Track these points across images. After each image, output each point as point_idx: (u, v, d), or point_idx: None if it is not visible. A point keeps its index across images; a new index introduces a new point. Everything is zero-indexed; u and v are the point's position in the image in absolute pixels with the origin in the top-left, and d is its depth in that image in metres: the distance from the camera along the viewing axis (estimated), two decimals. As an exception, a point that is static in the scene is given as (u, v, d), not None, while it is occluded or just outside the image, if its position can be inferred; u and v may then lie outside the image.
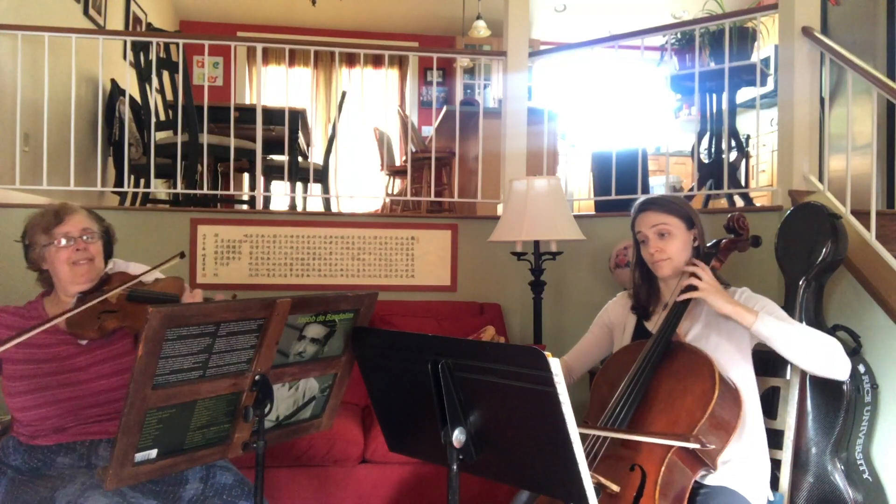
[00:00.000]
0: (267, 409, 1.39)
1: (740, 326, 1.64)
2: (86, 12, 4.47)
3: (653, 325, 1.84)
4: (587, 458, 1.55)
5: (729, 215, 1.88)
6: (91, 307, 1.68)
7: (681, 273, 1.77)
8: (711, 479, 1.58)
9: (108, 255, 1.87)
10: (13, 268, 3.03)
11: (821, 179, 2.87)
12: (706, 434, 1.52)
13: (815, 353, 1.58)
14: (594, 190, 4.18)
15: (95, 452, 1.71)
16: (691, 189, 3.76)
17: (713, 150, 3.78)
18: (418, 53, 7.77)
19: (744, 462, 1.63)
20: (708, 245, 1.83)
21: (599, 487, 1.46)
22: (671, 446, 1.49)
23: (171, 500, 1.64)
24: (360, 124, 6.55)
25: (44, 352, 1.72)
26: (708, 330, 1.74)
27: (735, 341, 1.71)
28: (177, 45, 3.74)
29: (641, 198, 1.87)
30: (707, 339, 1.72)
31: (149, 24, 5.79)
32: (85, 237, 1.75)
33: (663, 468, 1.47)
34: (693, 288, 1.67)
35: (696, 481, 1.54)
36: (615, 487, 1.46)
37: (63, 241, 1.72)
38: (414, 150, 4.90)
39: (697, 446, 1.48)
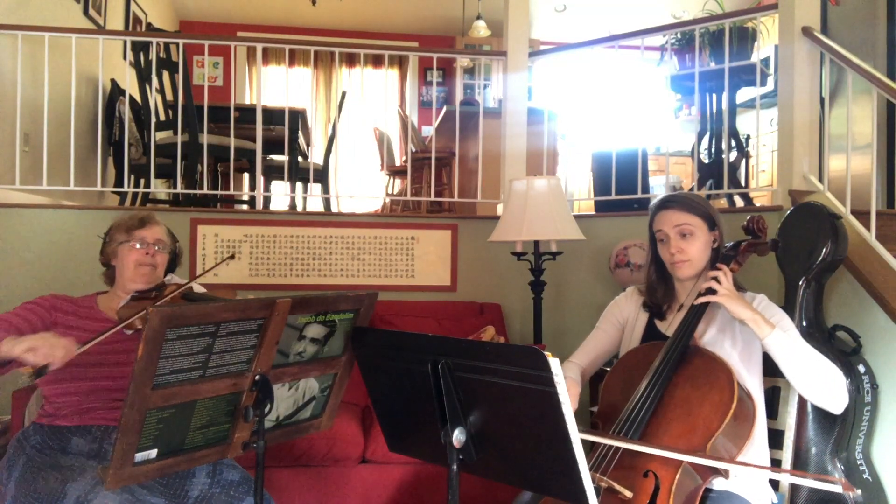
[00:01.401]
0: (267, 409, 1.39)
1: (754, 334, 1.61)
2: (86, 12, 4.47)
3: (666, 326, 1.81)
4: (601, 462, 1.53)
5: (748, 217, 1.83)
6: (148, 300, 1.82)
7: (699, 274, 1.73)
8: (717, 484, 1.57)
9: (170, 270, 2.07)
10: (12, 266, 3.04)
11: (821, 179, 2.87)
12: (722, 443, 1.49)
13: (818, 383, 1.56)
14: (594, 190, 4.17)
15: (108, 438, 1.77)
16: (691, 189, 3.76)
17: (713, 150, 3.78)
18: (418, 53, 7.77)
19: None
20: (727, 247, 1.78)
21: (600, 487, 1.45)
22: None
23: (179, 495, 1.67)
24: (360, 124, 6.55)
25: (88, 337, 1.74)
26: (722, 335, 1.71)
27: (748, 348, 1.68)
28: (177, 45, 3.73)
29: (661, 195, 1.80)
30: (721, 343, 1.69)
31: (149, 24, 5.79)
32: (157, 247, 1.96)
33: (677, 476, 1.44)
34: (712, 291, 1.63)
35: None
36: (628, 493, 1.43)
37: (138, 245, 1.93)
38: (414, 150, 4.90)
39: (724, 467, 1.45)
